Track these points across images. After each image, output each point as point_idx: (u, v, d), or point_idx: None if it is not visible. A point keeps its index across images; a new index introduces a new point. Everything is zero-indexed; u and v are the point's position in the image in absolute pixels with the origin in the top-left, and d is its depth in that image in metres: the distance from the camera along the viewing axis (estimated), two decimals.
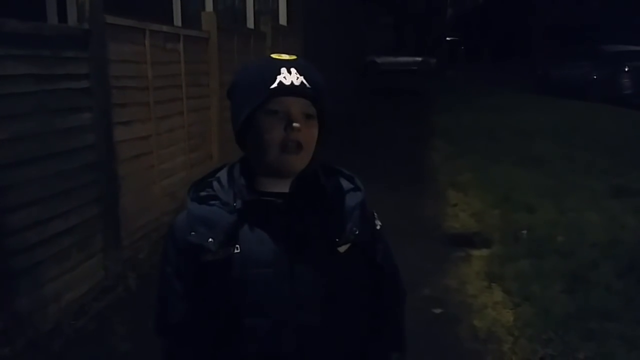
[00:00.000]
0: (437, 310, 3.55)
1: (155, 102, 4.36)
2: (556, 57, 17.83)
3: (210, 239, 1.16)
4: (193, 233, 1.18)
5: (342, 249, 1.21)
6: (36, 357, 2.95)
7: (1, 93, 2.77)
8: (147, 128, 4.28)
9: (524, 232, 4.80)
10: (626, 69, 14.08)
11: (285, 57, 1.19)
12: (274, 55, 1.20)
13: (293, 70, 1.16)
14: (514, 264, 4.17)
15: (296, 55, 1.21)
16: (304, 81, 1.16)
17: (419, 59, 26.95)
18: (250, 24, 9.05)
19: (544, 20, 27.64)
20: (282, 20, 9.88)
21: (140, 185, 4.22)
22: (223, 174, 1.23)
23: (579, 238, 4.58)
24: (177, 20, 6.55)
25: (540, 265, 4.10)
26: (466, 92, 16.85)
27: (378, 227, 1.33)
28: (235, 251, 1.16)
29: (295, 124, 1.14)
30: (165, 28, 4.68)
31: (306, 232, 1.19)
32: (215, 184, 1.22)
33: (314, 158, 1.23)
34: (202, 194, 1.21)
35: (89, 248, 3.51)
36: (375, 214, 1.34)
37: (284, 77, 1.14)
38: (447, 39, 32.68)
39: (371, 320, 1.32)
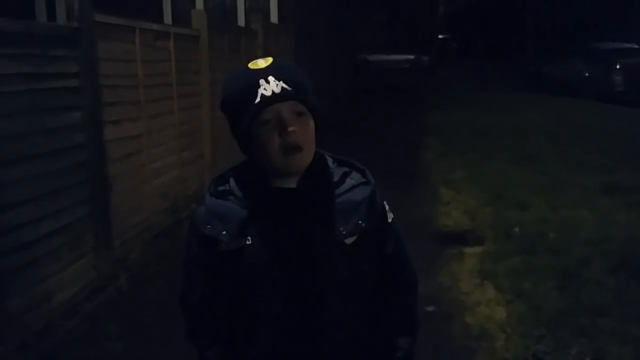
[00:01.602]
0: (430, 308, 3.55)
1: (145, 101, 4.34)
2: (548, 54, 17.88)
3: (224, 232, 1.26)
4: (209, 226, 1.27)
5: (349, 240, 1.28)
6: (28, 357, 2.93)
7: None
8: (137, 127, 4.26)
9: (516, 229, 4.81)
10: (618, 67, 14.15)
11: (261, 64, 1.24)
12: (250, 66, 1.25)
13: (271, 78, 1.21)
14: (506, 261, 4.18)
15: (272, 58, 1.26)
16: (284, 85, 1.21)
17: (411, 57, 26.97)
18: (242, 21, 9.01)
19: (536, 18, 27.73)
20: (274, 18, 9.85)
21: (132, 185, 4.20)
22: (238, 171, 1.32)
23: (571, 235, 4.59)
24: (168, 18, 6.52)
25: (532, 262, 4.11)
26: (458, 90, 16.89)
27: (390, 220, 1.39)
28: (247, 242, 1.25)
29: (289, 128, 1.21)
30: (155, 26, 4.65)
31: (313, 224, 1.27)
32: (231, 180, 1.31)
33: (319, 151, 1.31)
34: (220, 188, 1.31)
35: (80, 248, 3.49)
36: (387, 206, 1.40)
37: (264, 89, 1.21)
38: (440, 36, 32.71)
39: (381, 308, 1.38)
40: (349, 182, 1.32)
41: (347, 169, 1.34)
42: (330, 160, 1.34)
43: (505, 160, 7.41)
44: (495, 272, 4.00)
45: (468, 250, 4.49)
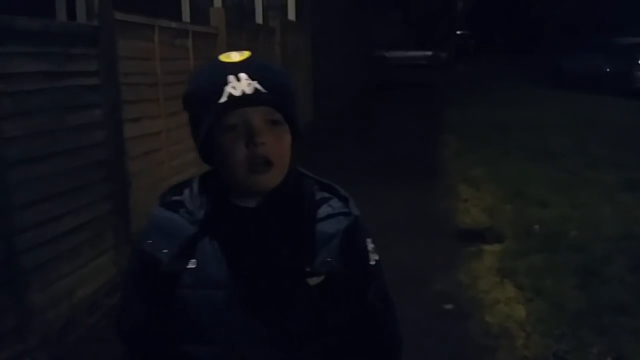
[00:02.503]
0: (448, 306, 3.53)
1: (164, 99, 4.36)
2: (568, 49, 17.65)
3: (164, 250, 1.06)
4: (150, 241, 1.08)
5: (313, 281, 1.04)
6: (49, 353, 2.97)
7: (12, 90, 2.78)
8: (156, 124, 4.29)
9: (537, 226, 4.76)
10: (639, 62, 13.91)
11: (235, 58, 1.02)
12: (222, 57, 1.03)
13: (243, 76, 1.00)
14: (526, 259, 4.13)
15: (250, 52, 1.04)
16: (258, 86, 0.99)
17: (429, 53, 26.81)
18: (259, 19, 9.03)
19: (556, 13, 27.40)
20: (291, 15, 9.85)
21: (151, 182, 4.23)
22: (197, 181, 1.11)
23: (592, 232, 4.53)
24: (186, 16, 6.55)
25: (553, 260, 4.06)
26: (477, 86, 16.75)
27: (373, 263, 1.13)
28: (190, 266, 1.04)
29: (257, 139, 0.99)
30: (174, 24, 4.68)
31: (271, 256, 1.04)
32: (186, 190, 1.10)
33: (297, 168, 1.11)
34: (174, 198, 1.10)
35: (101, 245, 3.53)
36: (371, 245, 1.14)
37: (233, 87, 0.99)
38: (458, 32, 32.46)
39: None
40: (325, 209, 1.09)
41: (327, 195, 1.11)
42: (309, 182, 1.12)
43: (525, 156, 7.34)
44: (514, 270, 3.96)
45: (487, 247, 4.45)
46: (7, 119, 2.74)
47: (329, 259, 1.05)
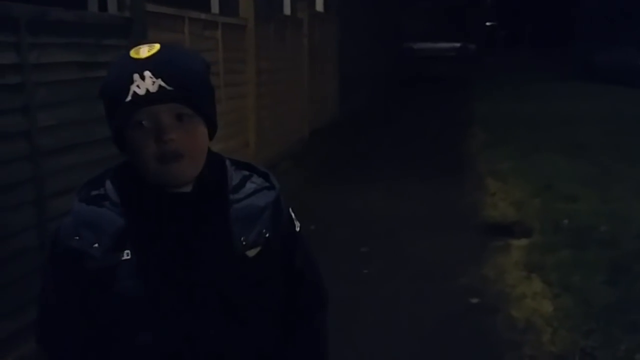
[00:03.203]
0: (474, 300, 3.52)
1: None
2: (600, 42, 17.27)
3: (95, 245, 1.05)
4: (77, 238, 1.06)
5: (251, 252, 1.10)
6: None
7: (47, 80, 2.84)
8: None
9: (566, 221, 4.70)
10: None
11: (142, 54, 1.03)
12: (132, 52, 1.04)
13: (147, 73, 1.00)
14: (554, 253, 4.09)
15: (159, 44, 1.05)
16: (163, 83, 1.00)
17: (458, 44, 26.53)
18: (287, 10, 9.03)
19: (587, 4, 26.81)
20: (319, 6, 9.83)
21: None
22: (117, 172, 1.11)
23: (623, 228, 4.46)
24: (215, 7, 6.59)
25: (581, 256, 4.01)
26: (506, 78, 16.54)
27: (298, 229, 1.21)
28: (124, 257, 1.05)
29: (165, 136, 1.02)
30: (203, 16, 4.72)
31: (207, 235, 1.08)
32: (107, 182, 1.10)
33: (214, 154, 1.14)
34: (93, 193, 1.09)
35: None
36: (292, 213, 1.21)
37: (137, 86, 1.00)
38: (487, 24, 32.02)
39: (286, 328, 1.20)
40: (250, 186, 1.14)
41: (247, 173, 1.16)
42: (229, 163, 1.16)
43: (555, 150, 7.23)
44: (542, 265, 3.92)
45: (514, 242, 4.41)
46: (42, 108, 2.80)
47: (264, 230, 1.11)
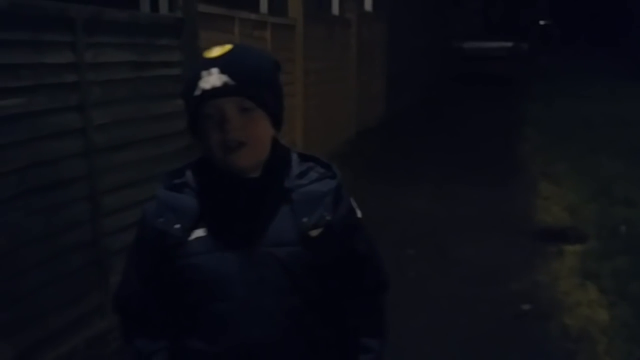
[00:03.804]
0: (526, 306, 3.42)
1: None
2: None
3: (176, 225, 1.19)
4: (161, 219, 1.21)
5: (314, 233, 1.21)
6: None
7: (102, 79, 2.91)
8: None
9: (623, 227, 4.53)
10: None
11: (214, 53, 1.17)
12: (205, 53, 1.18)
13: (214, 70, 1.13)
14: (610, 260, 3.95)
15: (231, 45, 1.18)
16: (228, 80, 1.13)
17: (509, 44, 25.87)
18: (335, 10, 9.02)
19: None
20: (368, 6, 9.78)
21: None
22: (195, 163, 1.26)
23: None
24: (264, 8, 6.64)
25: (639, 263, 3.85)
26: (561, 78, 16.06)
27: (359, 216, 1.32)
28: (201, 234, 1.19)
29: (227, 126, 1.14)
30: (253, 16, 4.75)
31: (274, 217, 1.20)
32: (188, 172, 1.25)
33: (281, 145, 1.25)
34: (175, 181, 1.25)
35: None
36: (354, 202, 1.32)
37: (205, 82, 1.13)
38: (541, 23, 31.20)
39: (352, 309, 1.33)
40: (313, 174, 1.26)
41: (311, 164, 1.28)
42: (294, 154, 1.28)
43: (611, 153, 6.97)
44: (598, 272, 3.79)
45: (568, 248, 4.28)
46: (96, 106, 2.87)
47: (325, 214, 1.21)
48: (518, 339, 3.08)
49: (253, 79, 1.16)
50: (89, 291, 2.87)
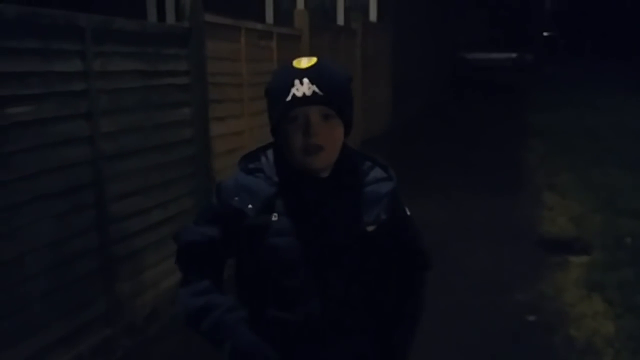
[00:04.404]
0: (531, 317, 3.41)
1: (248, 99, 4.46)
2: None
3: (250, 205, 1.32)
4: (236, 198, 1.33)
5: (370, 228, 1.36)
6: (134, 339, 3.10)
7: (110, 88, 2.93)
8: (240, 124, 4.39)
9: (628, 239, 4.51)
10: None
11: (304, 64, 1.30)
12: (294, 63, 1.31)
13: (305, 80, 1.27)
14: (616, 272, 3.93)
15: (316, 58, 1.32)
16: (316, 89, 1.27)
17: (514, 55, 25.90)
18: (341, 20, 9.06)
19: None
20: (372, 16, 9.82)
21: None
22: (271, 151, 1.39)
23: None
24: (269, 18, 6.68)
25: None
26: (565, 89, 16.06)
27: (409, 213, 1.48)
28: (273, 219, 1.32)
29: (311, 131, 1.28)
30: (259, 26, 4.78)
31: (339, 210, 1.34)
32: (263, 158, 1.38)
33: (347, 147, 1.38)
34: (251, 166, 1.37)
35: None
36: (402, 203, 1.47)
37: (297, 89, 1.27)
38: (545, 34, 31.24)
39: (403, 282, 1.50)
40: (374, 175, 1.40)
41: (370, 164, 1.42)
42: (357, 156, 1.42)
43: (617, 164, 6.96)
44: (603, 284, 3.77)
45: (573, 259, 4.27)
46: (104, 114, 2.89)
47: (381, 213, 1.37)
48: (523, 350, 3.06)
49: (336, 90, 1.31)
50: (95, 298, 2.88)
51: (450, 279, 3.94)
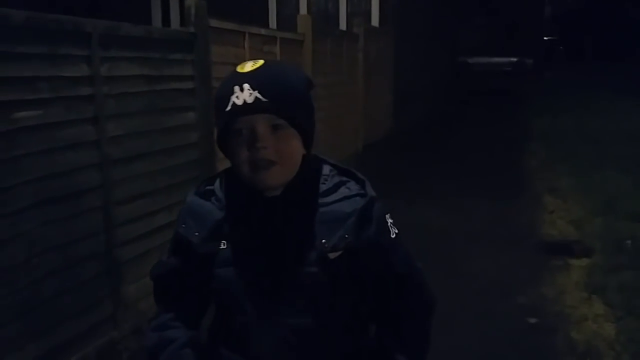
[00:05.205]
0: (532, 320, 3.43)
1: None
2: None
3: (196, 233, 1.20)
4: (184, 225, 1.23)
5: (333, 255, 1.15)
6: (140, 341, 3.13)
7: (116, 92, 2.96)
8: None
9: (629, 242, 4.53)
10: None
11: (247, 68, 1.14)
12: (238, 68, 1.15)
13: (246, 86, 1.10)
14: (617, 275, 3.95)
15: (263, 60, 1.15)
16: (259, 96, 1.09)
17: (514, 59, 25.91)
18: (343, 25, 9.11)
19: None
20: (375, 21, 9.86)
21: None
22: (225, 172, 1.25)
23: None
24: (273, 23, 6.72)
25: None
26: (566, 94, 16.11)
27: (393, 236, 1.23)
28: (221, 247, 1.18)
29: (257, 144, 1.11)
30: (263, 31, 4.82)
31: (294, 234, 1.16)
32: (217, 180, 1.24)
33: (315, 160, 1.22)
34: (207, 188, 1.24)
35: None
36: (390, 221, 1.24)
37: (236, 97, 1.10)
38: (545, 38, 31.27)
39: (393, 331, 1.25)
40: (343, 191, 1.19)
41: (344, 179, 1.22)
42: (327, 168, 1.23)
43: (617, 168, 6.98)
44: (604, 286, 3.79)
45: (574, 261, 4.29)
46: (111, 119, 2.92)
47: (346, 235, 1.15)
48: (524, 353, 3.08)
49: (285, 97, 1.12)
50: (101, 301, 2.91)
51: (450, 284, 3.96)
